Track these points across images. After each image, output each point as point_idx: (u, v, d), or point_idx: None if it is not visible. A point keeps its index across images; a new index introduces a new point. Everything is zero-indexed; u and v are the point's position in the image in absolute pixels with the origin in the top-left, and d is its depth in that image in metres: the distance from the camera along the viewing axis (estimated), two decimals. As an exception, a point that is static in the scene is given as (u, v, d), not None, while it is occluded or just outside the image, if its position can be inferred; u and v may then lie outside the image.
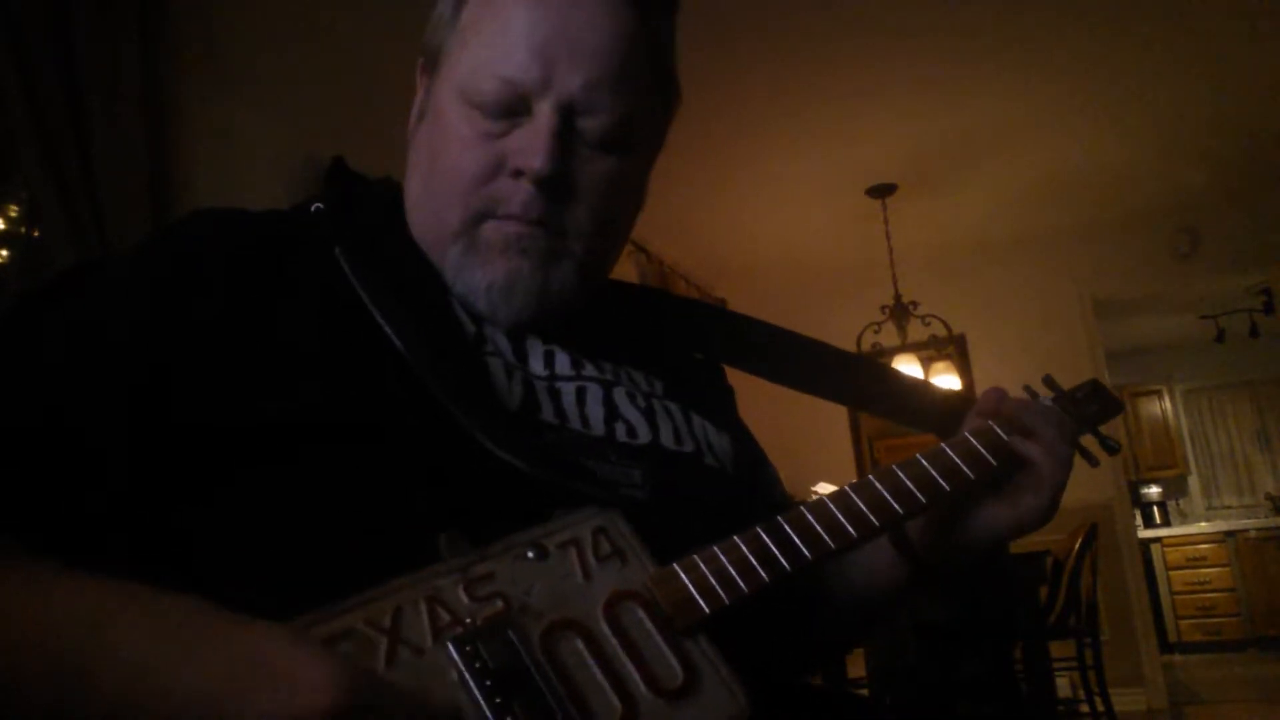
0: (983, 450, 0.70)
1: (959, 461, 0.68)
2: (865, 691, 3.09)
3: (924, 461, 0.67)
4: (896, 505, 0.63)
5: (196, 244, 0.63)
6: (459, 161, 0.67)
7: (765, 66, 3.20)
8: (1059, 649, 3.82)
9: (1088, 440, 0.82)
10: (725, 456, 0.74)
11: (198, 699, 0.38)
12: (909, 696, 2.77)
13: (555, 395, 0.67)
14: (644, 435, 0.69)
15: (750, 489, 0.76)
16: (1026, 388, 0.82)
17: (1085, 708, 4.17)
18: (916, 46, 3.15)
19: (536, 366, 0.69)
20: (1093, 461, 0.80)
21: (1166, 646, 6.80)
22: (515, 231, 0.67)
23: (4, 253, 2.15)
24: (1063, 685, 4.33)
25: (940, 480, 0.67)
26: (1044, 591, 3.79)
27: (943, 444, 0.70)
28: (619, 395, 0.71)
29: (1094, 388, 0.86)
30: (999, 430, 0.72)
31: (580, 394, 0.69)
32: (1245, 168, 4.28)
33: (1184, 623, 7.22)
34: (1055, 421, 0.73)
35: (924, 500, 0.65)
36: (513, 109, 0.66)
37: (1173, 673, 5.60)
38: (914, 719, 1.47)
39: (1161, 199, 4.58)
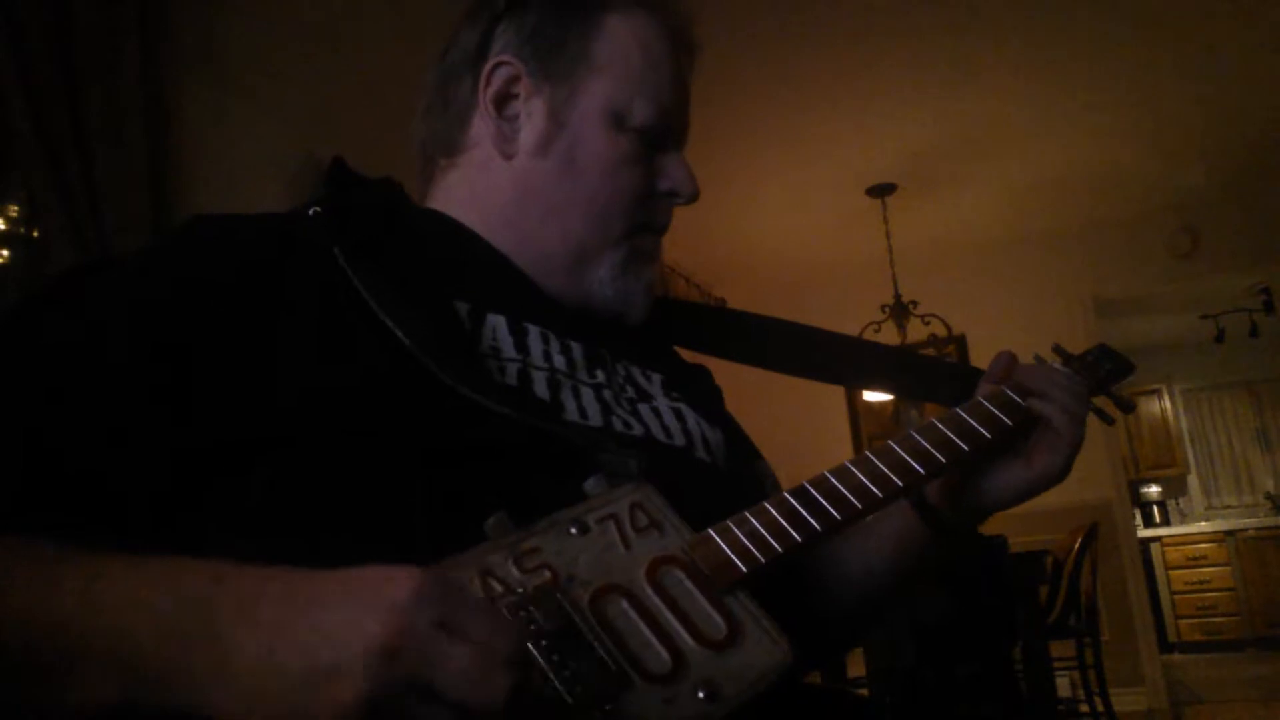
0: (997, 412, 0.73)
1: (974, 423, 0.71)
2: (865, 691, 3.09)
3: (940, 425, 0.70)
4: (918, 466, 0.66)
5: (197, 251, 0.64)
6: (625, 179, 0.76)
7: (765, 67, 3.20)
8: (1059, 649, 3.82)
9: (1101, 401, 0.83)
10: (717, 451, 0.77)
11: (302, 601, 0.41)
12: (909, 696, 2.77)
13: (554, 386, 0.69)
14: (637, 429, 0.71)
15: (742, 483, 0.78)
16: (1036, 356, 0.83)
17: (1085, 708, 4.17)
18: (916, 47, 3.15)
19: (537, 358, 0.71)
20: (1108, 420, 0.83)
21: (1166, 646, 6.80)
22: (656, 243, 0.81)
23: (5, 253, 2.15)
24: (1063, 685, 4.33)
25: (958, 441, 0.69)
26: (1044, 591, 3.79)
27: (957, 409, 0.73)
28: (613, 389, 0.73)
29: (1103, 350, 0.89)
30: (1011, 393, 0.74)
31: (577, 388, 0.70)
32: (1245, 168, 4.28)
33: (1184, 622, 7.22)
34: (1067, 383, 0.76)
35: (943, 460, 0.67)
36: (660, 138, 0.78)
37: (1173, 673, 5.60)
38: (914, 719, 1.47)
39: (1161, 199, 4.58)
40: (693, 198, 0.79)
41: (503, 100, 0.77)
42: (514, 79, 0.77)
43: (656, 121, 0.76)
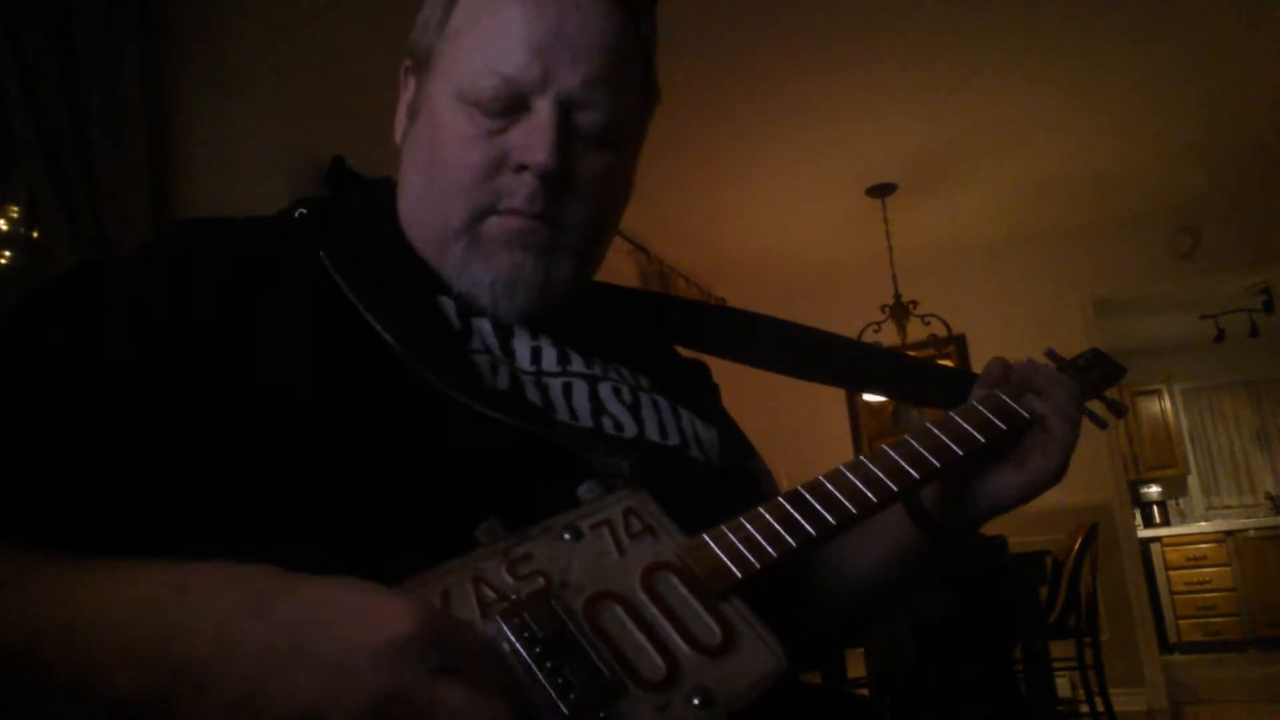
0: (991, 416, 0.72)
1: (968, 427, 0.71)
2: (865, 691, 3.09)
3: (935, 430, 0.70)
4: (911, 470, 0.65)
5: (186, 258, 0.64)
6: (460, 158, 0.68)
7: (765, 67, 3.20)
8: (1059, 649, 3.82)
9: (1094, 405, 0.84)
10: (712, 450, 0.76)
11: (286, 641, 0.40)
12: (909, 696, 2.77)
13: (543, 389, 0.69)
14: (630, 429, 0.70)
15: (738, 482, 0.77)
16: (1029, 359, 0.83)
17: (1085, 708, 4.17)
18: (917, 47, 3.15)
19: (523, 362, 0.70)
20: (1101, 424, 0.82)
21: (1166, 646, 6.80)
22: (518, 226, 0.69)
23: (6, 254, 2.15)
24: (1063, 685, 4.33)
25: (952, 445, 0.69)
26: (1044, 591, 3.79)
27: (951, 412, 0.72)
28: (604, 390, 0.72)
29: (1095, 355, 0.89)
30: (1005, 397, 0.74)
31: (567, 389, 0.70)
32: (1245, 168, 4.28)
33: (1184, 623, 7.22)
34: (1061, 383, 0.76)
35: (937, 465, 0.67)
36: (512, 106, 0.68)
37: (1173, 673, 5.59)
38: (914, 719, 1.47)
39: (1161, 199, 4.58)
40: (543, 168, 0.66)
41: (410, 108, 0.76)
42: (408, 72, 0.76)
43: (493, 91, 0.67)
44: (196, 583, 0.43)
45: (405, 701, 0.38)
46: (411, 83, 0.76)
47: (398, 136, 0.77)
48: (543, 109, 0.67)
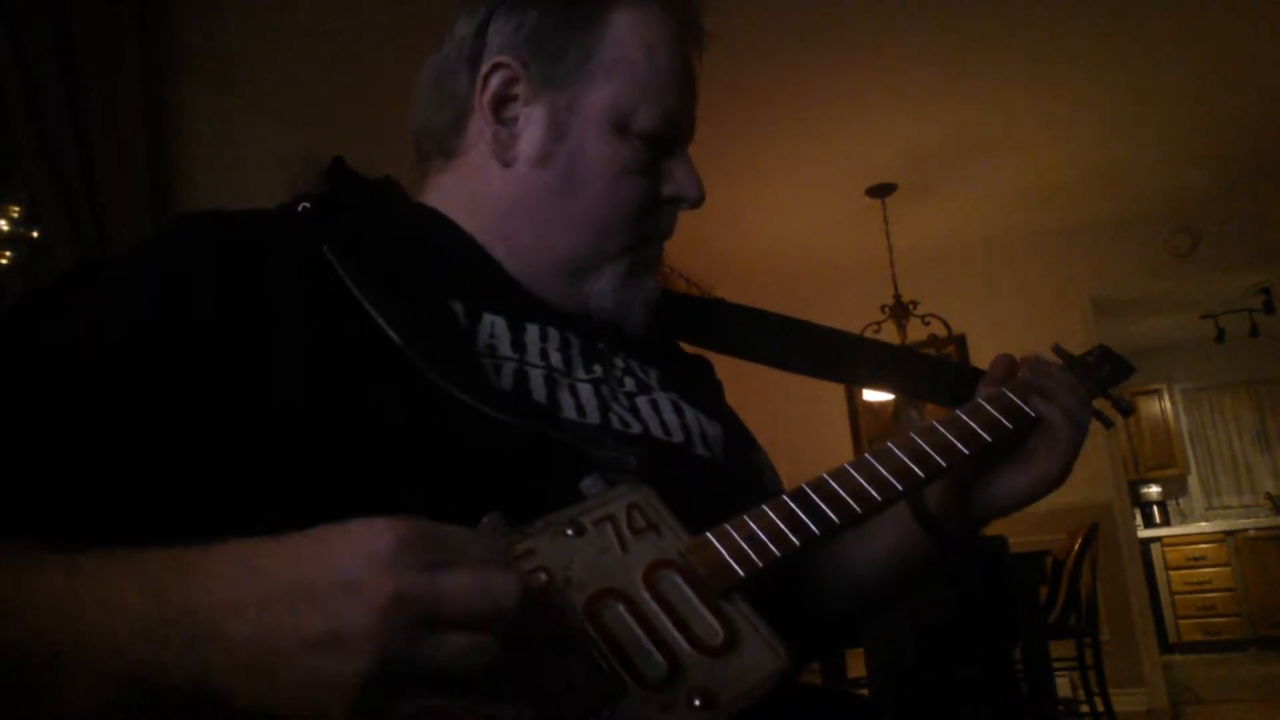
0: (997, 414, 0.72)
1: (975, 426, 0.70)
2: (865, 691, 3.09)
3: (940, 428, 0.69)
4: (917, 470, 0.65)
5: (185, 252, 0.63)
6: (625, 190, 0.74)
7: (765, 67, 3.20)
8: (1059, 649, 3.82)
9: (1100, 403, 0.83)
10: (716, 445, 0.76)
11: (285, 579, 0.41)
12: (909, 696, 2.77)
13: (551, 385, 0.69)
14: (635, 426, 0.70)
15: (742, 478, 0.77)
16: (1036, 357, 0.83)
17: (1085, 708, 4.17)
18: (917, 46, 3.15)
19: (534, 359, 0.70)
20: (1107, 423, 0.82)
21: (1166, 646, 6.80)
22: (659, 252, 0.79)
23: (7, 254, 2.15)
24: (1063, 685, 4.33)
25: (958, 444, 0.68)
26: (1044, 591, 3.79)
27: (957, 410, 0.72)
28: (607, 391, 0.72)
29: (1103, 352, 0.88)
30: (1012, 395, 0.74)
31: (574, 386, 0.70)
32: (1245, 168, 4.28)
33: (1184, 623, 7.21)
34: (1068, 384, 0.76)
35: (943, 464, 0.67)
36: (667, 144, 0.75)
37: (1173, 673, 5.59)
38: (914, 719, 1.48)
39: (1161, 199, 4.58)
40: (698, 203, 0.77)
41: (500, 103, 0.73)
42: (512, 80, 0.73)
43: (661, 128, 0.73)
44: (189, 562, 0.44)
45: (413, 599, 0.40)
46: (520, 90, 0.73)
47: (474, 133, 0.74)
48: (683, 150, 0.77)
